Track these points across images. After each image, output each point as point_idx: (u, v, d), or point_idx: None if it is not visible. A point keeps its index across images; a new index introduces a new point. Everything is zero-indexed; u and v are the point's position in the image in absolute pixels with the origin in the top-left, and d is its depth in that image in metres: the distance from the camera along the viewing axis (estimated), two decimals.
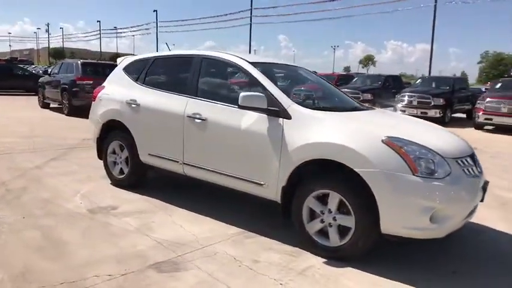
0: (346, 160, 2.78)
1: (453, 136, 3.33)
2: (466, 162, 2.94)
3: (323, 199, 2.98)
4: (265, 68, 3.65)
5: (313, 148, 2.95)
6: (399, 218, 2.66)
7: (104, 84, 4.82)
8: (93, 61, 14.12)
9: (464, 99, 14.40)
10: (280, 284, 2.59)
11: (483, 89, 18.95)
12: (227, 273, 2.70)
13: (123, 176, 4.50)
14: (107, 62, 16.54)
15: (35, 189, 4.34)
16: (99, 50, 76.97)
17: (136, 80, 4.42)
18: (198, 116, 3.63)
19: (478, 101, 12.25)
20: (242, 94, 3.23)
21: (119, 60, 4.96)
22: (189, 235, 3.28)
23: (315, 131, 3.00)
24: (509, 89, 12.23)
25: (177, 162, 3.88)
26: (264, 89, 3.35)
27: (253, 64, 3.59)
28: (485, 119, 11.65)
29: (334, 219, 2.91)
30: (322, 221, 2.99)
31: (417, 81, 16.67)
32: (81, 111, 9.82)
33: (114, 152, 4.60)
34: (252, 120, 3.30)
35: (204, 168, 3.66)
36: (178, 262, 2.81)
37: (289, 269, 2.80)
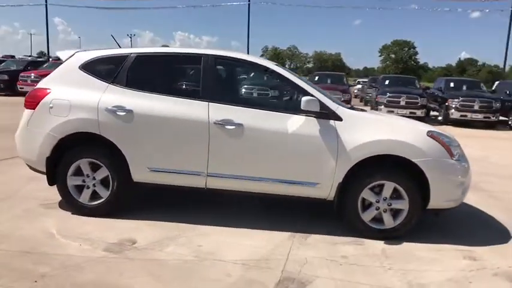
0: (405, 153, 3.28)
1: None
2: None
3: (376, 189, 3.38)
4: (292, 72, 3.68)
5: (373, 145, 3.30)
6: (444, 194, 3.36)
7: (45, 85, 3.66)
8: None
9: None
10: (389, 268, 2.91)
11: None
12: (347, 273, 2.81)
13: (98, 201, 3.62)
14: None
15: None
16: None
17: (112, 81, 3.59)
18: (230, 122, 3.36)
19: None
20: (305, 99, 3.24)
21: (62, 55, 3.84)
22: (259, 250, 3.12)
23: (369, 129, 3.35)
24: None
25: (199, 175, 3.46)
26: (306, 93, 3.42)
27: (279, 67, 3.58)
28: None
29: (389, 204, 3.38)
30: (377, 209, 3.40)
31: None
32: None
33: (78, 174, 3.62)
34: (301, 124, 3.35)
35: (237, 178, 3.44)
36: (294, 277, 2.71)
37: (374, 255, 3.13)
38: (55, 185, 3.68)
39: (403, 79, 17.68)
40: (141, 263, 2.83)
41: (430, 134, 3.38)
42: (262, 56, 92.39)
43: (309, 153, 3.36)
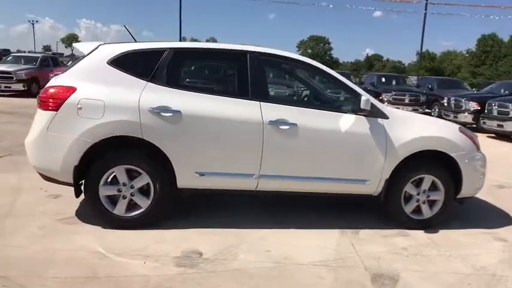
0: (444, 148, 3.55)
1: None
2: None
3: (416, 183, 3.61)
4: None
5: (418, 142, 3.50)
6: (473, 184, 3.71)
7: (67, 83, 3.16)
8: None
9: None
10: (449, 256, 3.15)
11: None
12: (418, 264, 2.99)
13: (137, 212, 3.27)
14: None
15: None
16: None
17: (149, 79, 3.24)
18: (284, 122, 3.28)
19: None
20: (364, 98, 3.29)
21: (81, 47, 3.34)
22: (326, 249, 3.14)
23: (413, 127, 3.55)
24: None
25: (251, 176, 3.33)
26: (353, 92, 3.50)
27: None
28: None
29: (428, 196, 3.64)
30: (417, 201, 3.63)
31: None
32: None
33: (112, 183, 3.23)
34: (353, 122, 3.42)
35: (290, 178, 3.39)
36: (381, 273, 2.79)
37: (427, 244, 3.36)
38: (57, 196, 3.25)
39: (395, 77, 17.89)
40: (227, 274, 2.66)
41: (461, 130, 3.71)
42: None
43: (361, 151, 3.45)
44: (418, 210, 3.66)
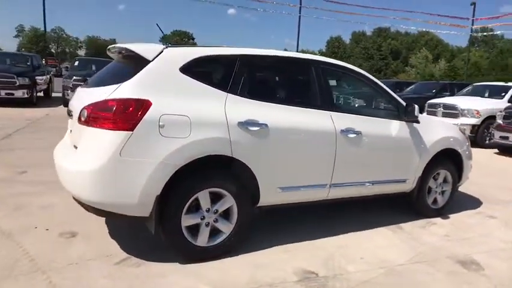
0: (455, 146, 4.18)
1: None
2: None
3: (434, 177, 4.17)
4: None
5: (441, 142, 4.03)
6: (467, 173, 4.47)
7: (135, 94, 2.57)
8: None
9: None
10: (478, 235, 3.75)
11: None
12: (473, 246, 3.47)
13: (220, 239, 2.91)
14: None
15: None
16: None
17: (227, 89, 2.88)
18: (351, 130, 3.37)
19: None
20: (416, 107, 3.60)
21: (143, 50, 2.73)
22: (401, 249, 3.37)
23: (436, 129, 4.07)
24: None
25: (324, 186, 3.32)
26: (396, 101, 3.80)
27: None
28: None
29: (442, 187, 4.23)
30: (435, 193, 4.19)
31: None
32: None
33: (192, 210, 2.79)
34: (399, 128, 3.73)
35: (354, 184, 3.51)
36: (468, 260, 3.17)
37: (457, 228, 3.90)
38: (75, 235, 2.70)
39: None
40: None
41: (459, 128, 4.42)
42: (17, 36, 76.77)
43: (404, 154, 3.79)
44: (434, 201, 4.23)
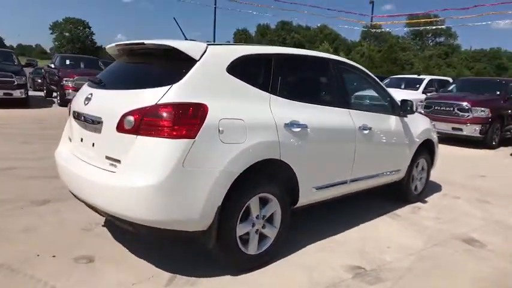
0: (432, 136, 4.63)
1: None
2: None
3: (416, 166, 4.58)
4: None
5: (424, 133, 4.42)
6: (437, 159, 4.99)
7: (188, 97, 2.33)
8: None
9: None
10: (463, 214, 4.25)
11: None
12: (462, 225, 3.90)
13: (267, 245, 2.81)
14: None
15: None
16: None
17: (269, 90, 2.77)
18: (366, 127, 3.53)
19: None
20: (413, 103, 3.88)
21: (188, 48, 2.44)
22: (414, 239, 3.64)
23: (419, 122, 4.45)
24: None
25: (345, 183, 3.43)
26: (391, 97, 4.05)
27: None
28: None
29: (421, 174, 4.68)
30: (416, 179, 4.61)
31: None
32: None
33: (244, 218, 2.66)
34: (396, 122, 4.01)
35: (365, 178, 3.69)
36: (467, 238, 3.56)
37: (441, 210, 4.35)
38: (91, 260, 2.51)
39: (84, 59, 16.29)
40: (412, 277, 2.80)
41: (429, 119, 4.90)
42: None
43: (401, 145, 4.10)
44: (415, 187, 4.65)
